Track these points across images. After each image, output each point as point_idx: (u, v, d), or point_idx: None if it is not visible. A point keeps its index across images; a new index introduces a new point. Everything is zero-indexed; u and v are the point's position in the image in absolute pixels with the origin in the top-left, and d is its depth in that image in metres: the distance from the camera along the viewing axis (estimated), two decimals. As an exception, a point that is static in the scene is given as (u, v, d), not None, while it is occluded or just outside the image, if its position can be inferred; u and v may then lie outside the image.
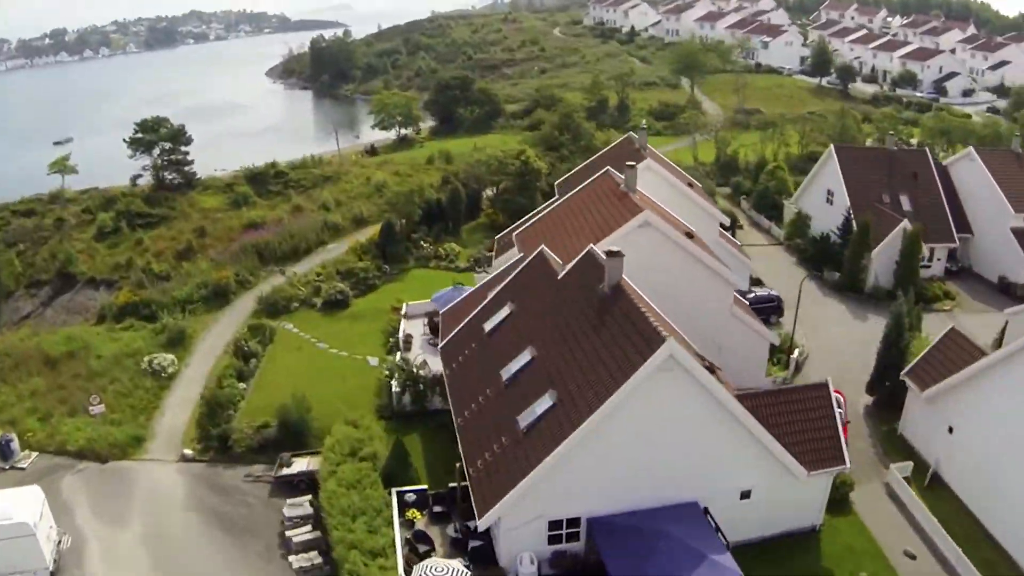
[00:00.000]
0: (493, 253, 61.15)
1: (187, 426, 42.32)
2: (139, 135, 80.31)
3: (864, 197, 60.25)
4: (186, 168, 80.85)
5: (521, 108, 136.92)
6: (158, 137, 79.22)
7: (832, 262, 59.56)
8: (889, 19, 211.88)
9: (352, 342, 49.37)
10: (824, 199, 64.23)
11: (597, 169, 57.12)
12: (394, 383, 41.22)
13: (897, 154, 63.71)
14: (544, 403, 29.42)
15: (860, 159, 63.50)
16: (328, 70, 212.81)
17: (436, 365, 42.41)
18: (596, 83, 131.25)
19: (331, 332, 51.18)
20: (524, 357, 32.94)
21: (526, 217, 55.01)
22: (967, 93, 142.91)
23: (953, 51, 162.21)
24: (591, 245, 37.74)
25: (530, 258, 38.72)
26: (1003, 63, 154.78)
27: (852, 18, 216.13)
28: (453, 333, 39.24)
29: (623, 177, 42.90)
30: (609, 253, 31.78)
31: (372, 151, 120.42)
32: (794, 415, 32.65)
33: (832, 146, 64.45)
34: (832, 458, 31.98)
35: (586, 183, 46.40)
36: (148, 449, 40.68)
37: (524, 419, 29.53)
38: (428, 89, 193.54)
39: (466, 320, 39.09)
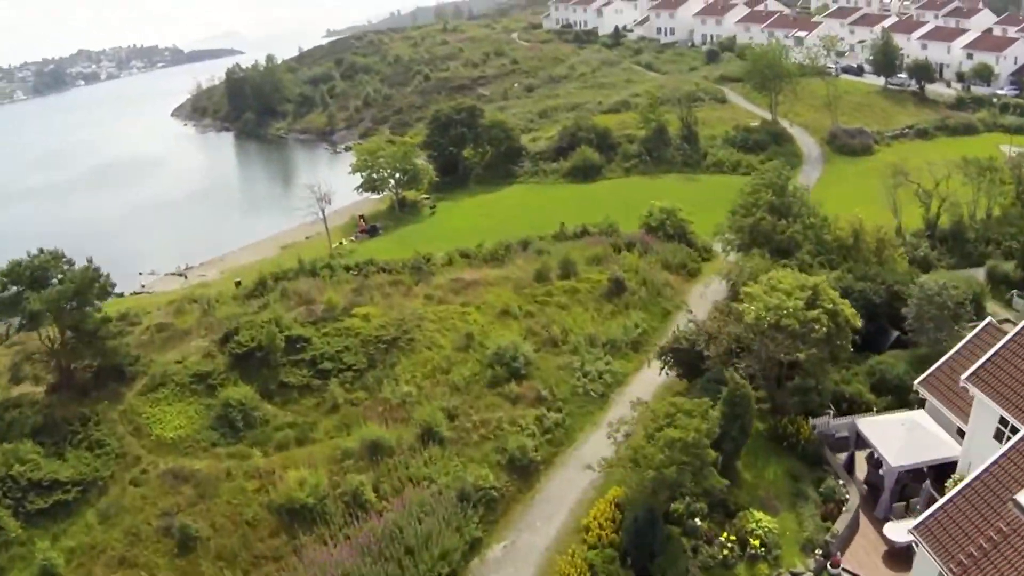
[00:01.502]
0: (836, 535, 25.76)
1: None
2: (9, 290, 41.03)
3: None
4: (109, 342, 41.97)
5: (550, 146, 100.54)
6: (50, 297, 39.95)
7: None
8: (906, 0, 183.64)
9: None
10: None
11: None
12: None
13: None
14: None
15: None
16: (250, 106, 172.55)
17: None
18: (652, 104, 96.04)
19: None
20: None
21: None
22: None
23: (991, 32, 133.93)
24: None
25: None
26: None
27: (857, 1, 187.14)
28: None
29: None
30: None
31: (371, 230, 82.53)
32: None
33: None
34: None
35: None
36: None
37: None
38: (388, 121, 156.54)
39: None
